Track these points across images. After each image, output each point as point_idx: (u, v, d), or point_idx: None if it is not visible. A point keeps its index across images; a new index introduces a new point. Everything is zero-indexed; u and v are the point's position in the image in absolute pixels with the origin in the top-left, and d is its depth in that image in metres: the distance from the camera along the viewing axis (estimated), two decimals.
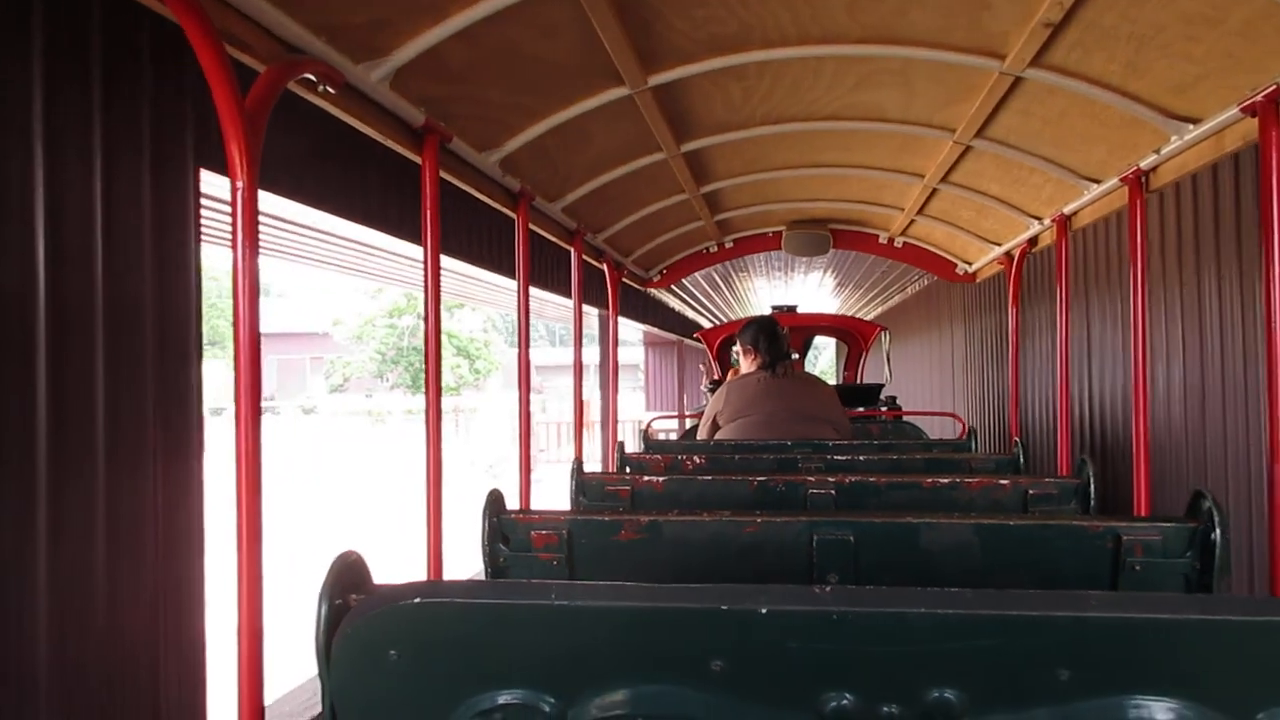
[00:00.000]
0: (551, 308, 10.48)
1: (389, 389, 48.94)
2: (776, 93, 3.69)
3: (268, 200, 3.16)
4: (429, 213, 2.90)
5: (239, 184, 1.89)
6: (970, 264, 6.47)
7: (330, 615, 1.43)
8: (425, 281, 2.92)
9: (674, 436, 10.06)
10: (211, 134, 2.15)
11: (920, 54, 3.12)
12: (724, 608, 1.25)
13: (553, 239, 4.77)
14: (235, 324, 1.87)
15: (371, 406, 43.17)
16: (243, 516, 1.88)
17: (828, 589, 1.29)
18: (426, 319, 2.93)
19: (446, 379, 45.83)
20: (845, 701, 1.28)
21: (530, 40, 2.84)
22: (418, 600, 1.35)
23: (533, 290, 4.31)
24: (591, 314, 9.57)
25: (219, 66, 1.82)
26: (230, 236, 1.91)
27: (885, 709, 1.28)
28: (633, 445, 5.00)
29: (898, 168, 4.87)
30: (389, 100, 2.70)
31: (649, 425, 7.69)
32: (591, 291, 6.75)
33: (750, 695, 1.30)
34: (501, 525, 2.52)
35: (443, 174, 3.07)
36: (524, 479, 3.90)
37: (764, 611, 1.25)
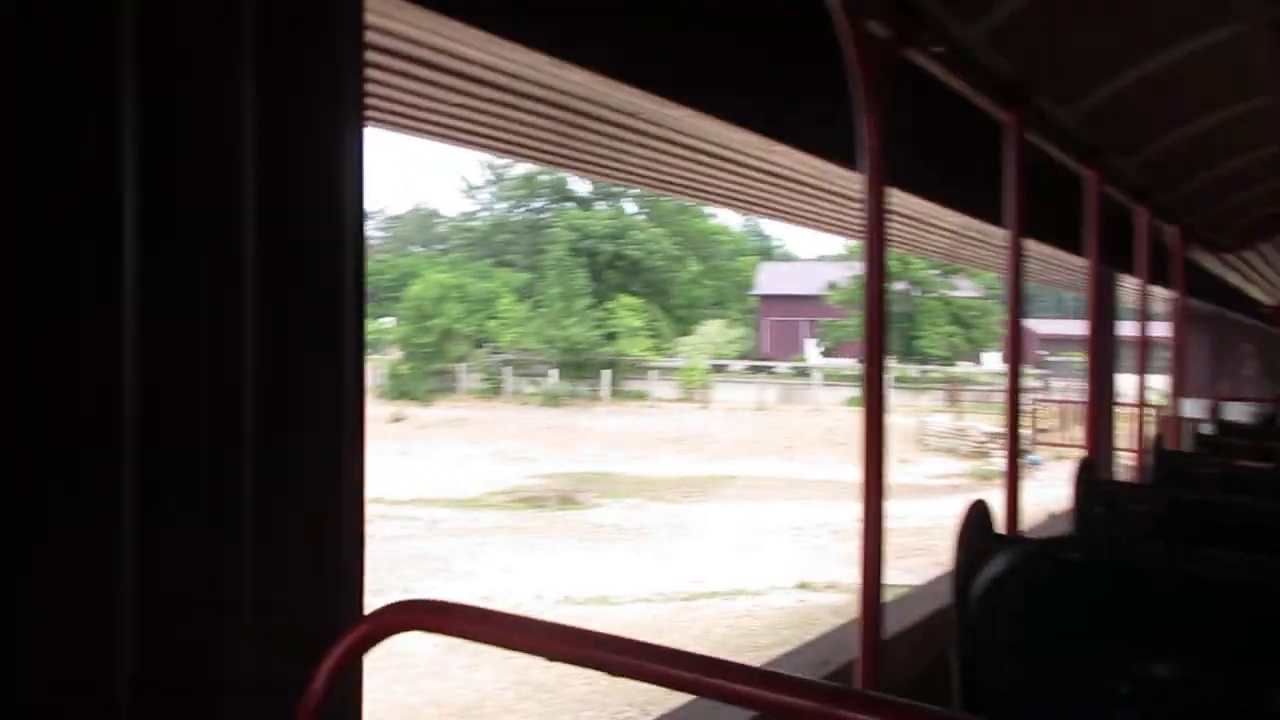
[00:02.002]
0: (1065, 273, 9.33)
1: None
2: None
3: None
4: (1013, 182, 2.86)
5: (870, 144, 1.91)
6: None
7: (966, 560, 1.56)
8: (1010, 258, 2.92)
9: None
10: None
11: None
12: None
13: (1119, 199, 4.38)
14: (866, 310, 1.95)
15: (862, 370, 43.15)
16: (868, 469, 1.97)
17: None
18: (1010, 296, 3.03)
19: (939, 348, 44.36)
20: None
21: None
22: (1060, 556, 1.44)
23: (1059, 256, 3.96)
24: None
25: (856, 33, 1.89)
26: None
27: None
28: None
29: None
30: (986, 57, 2.71)
31: (1214, 410, 6.51)
32: (1129, 259, 5.86)
33: None
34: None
35: (1028, 135, 2.97)
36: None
37: None
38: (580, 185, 54.92)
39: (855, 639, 2.08)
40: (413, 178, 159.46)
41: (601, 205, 54.19)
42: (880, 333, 1.94)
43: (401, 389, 43.26)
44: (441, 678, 11.05)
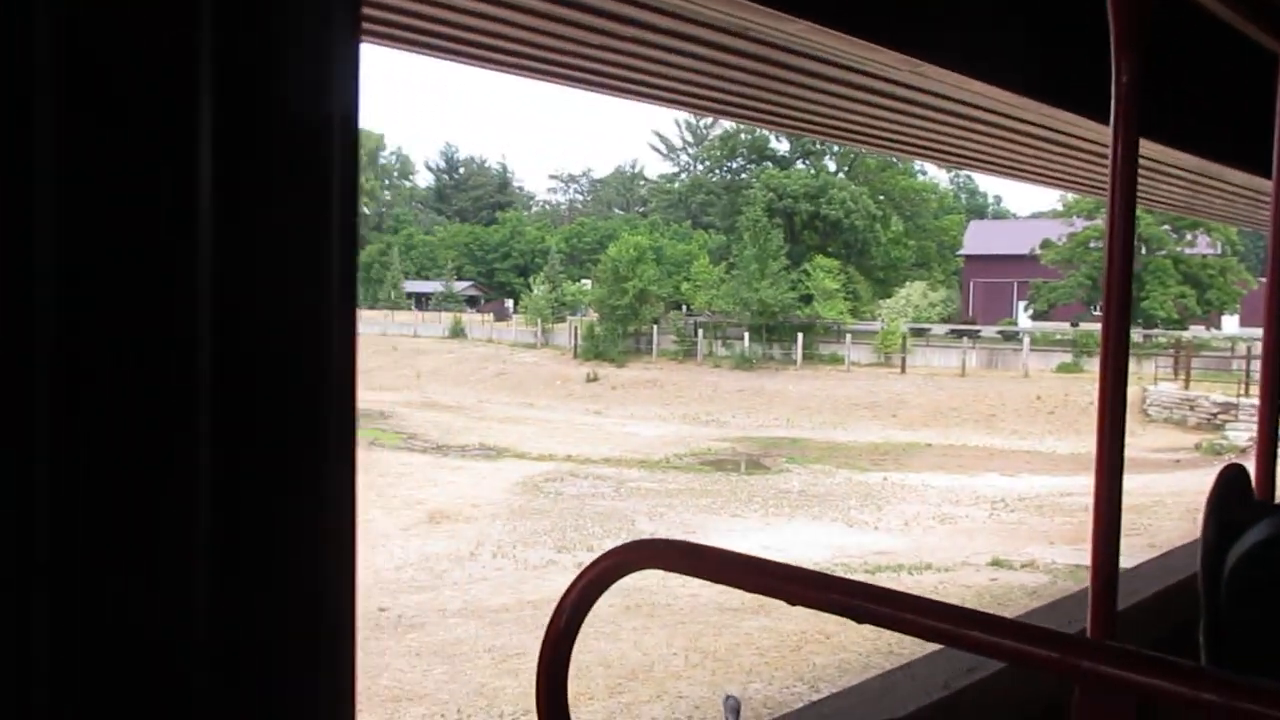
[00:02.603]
0: None
1: (1099, 316, 45.38)
2: None
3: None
4: None
5: (1122, 88, 1.77)
6: None
7: (1219, 529, 1.40)
8: (1274, 211, 2.45)
9: None
10: None
11: None
12: None
13: None
14: (1108, 270, 1.82)
15: (1076, 334, 40.26)
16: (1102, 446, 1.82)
17: None
18: (1271, 253, 2.46)
19: (1166, 310, 40.82)
20: None
21: None
22: None
23: None
24: None
25: None
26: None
27: None
28: None
29: None
30: None
31: None
32: None
33: None
34: None
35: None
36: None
37: None
38: (780, 144, 53.90)
39: (1087, 609, 1.91)
40: (618, 139, 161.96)
41: (801, 164, 52.99)
42: (1124, 295, 1.81)
43: (597, 350, 44.09)
44: (614, 639, 11.08)
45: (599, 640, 10.67)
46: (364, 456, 26.63)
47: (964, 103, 3.10)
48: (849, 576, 10.51)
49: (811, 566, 15.15)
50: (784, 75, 2.84)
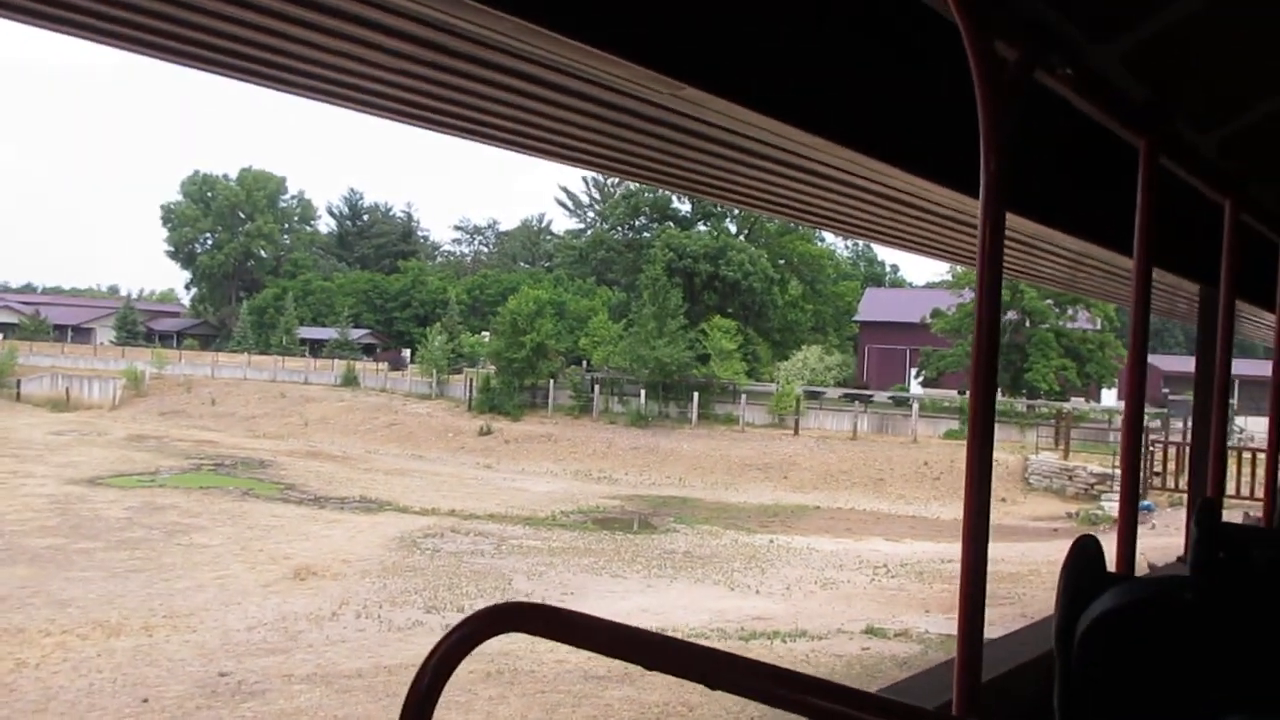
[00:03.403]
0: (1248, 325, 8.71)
1: None
2: None
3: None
4: (1142, 208, 2.73)
5: (990, 168, 1.88)
6: None
7: (1071, 598, 1.49)
8: (1135, 290, 2.76)
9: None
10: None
11: None
12: None
13: (1258, 228, 4.36)
14: (976, 339, 1.90)
15: (963, 402, 41.15)
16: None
17: None
18: (1132, 330, 2.82)
19: (1049, 382, 42.11)
20: None
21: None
22: (1176, 596, 1.34)
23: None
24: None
25: (981, 53, 1.86)
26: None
27: None
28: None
29: None
30: (1119, 79, 2.64)
31: None
32: (1269, 291, 5.76)
33: None
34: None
35: (1162, 160, 2.89)
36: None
37: None
38: (682, 204, 54.46)
39: (952, 680, 1.93)
40: (528, 193, 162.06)
41: (702, 226, 53.55)
42: (991, 362, 1.88)
43: (492, 403, 43.32)
44: (467, 710, 10.47)
45: (449, 711, 10.05)
46: (234, 508, 25.39)
47: (844, 170, 3.19)
48: (721, 642, 10.23)
49: (687, 631, 14.76)
50: (667, 135, 2.88)
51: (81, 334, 75.47)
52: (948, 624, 15.04)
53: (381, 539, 21.94)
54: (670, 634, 12.79)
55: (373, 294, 73.31)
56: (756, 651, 13.03)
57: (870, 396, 45.51)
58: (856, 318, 58.38)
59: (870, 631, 14.31)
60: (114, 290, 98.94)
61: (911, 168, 2.84)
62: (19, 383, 51.38)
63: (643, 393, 41.85)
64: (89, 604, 14.73)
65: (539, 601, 0.89)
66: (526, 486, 32.24)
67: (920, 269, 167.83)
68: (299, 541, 20.95)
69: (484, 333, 55.70)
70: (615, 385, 43.57)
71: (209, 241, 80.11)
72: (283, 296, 70.98)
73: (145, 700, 10.35)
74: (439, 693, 0.84)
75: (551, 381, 44.06)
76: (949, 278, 46.62)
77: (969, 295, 43.27)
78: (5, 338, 63.69)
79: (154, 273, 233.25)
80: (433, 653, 0.85)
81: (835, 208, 4.19)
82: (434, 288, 72.12)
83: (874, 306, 58.09)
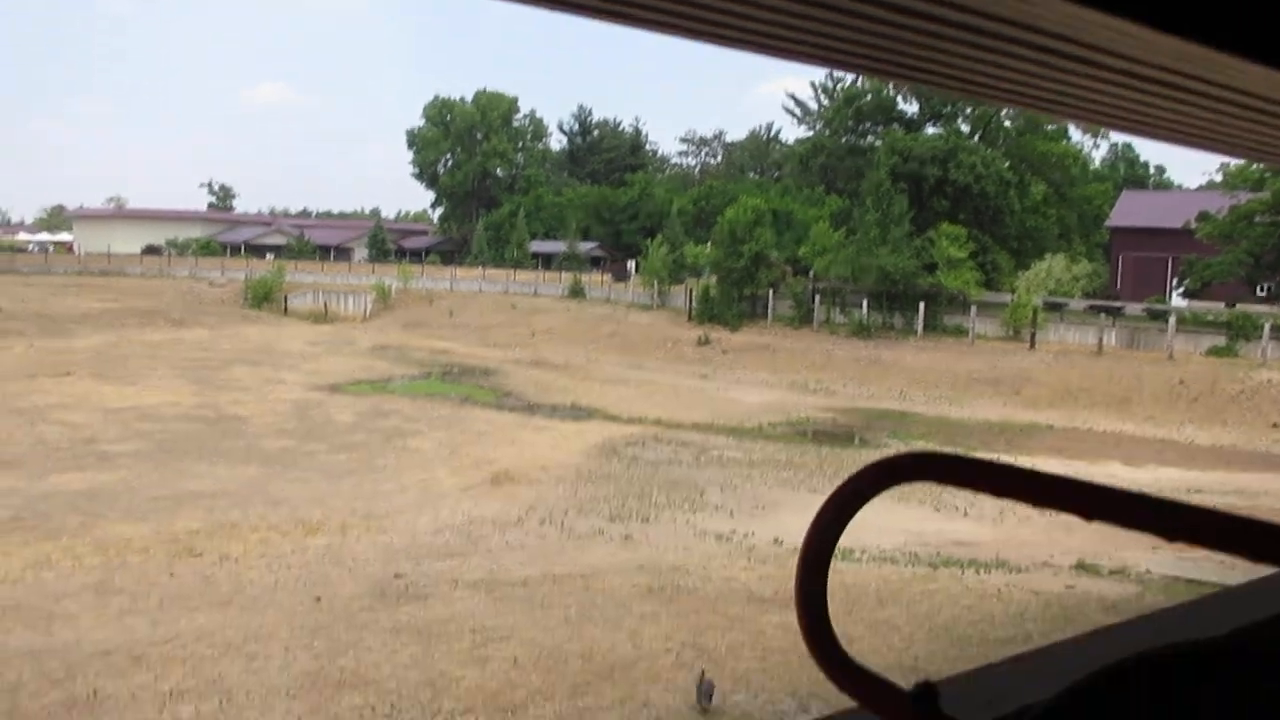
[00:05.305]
0: None
1: (1260, 297, 41.29)
2: None
3: None
4: None
5: None
6: None
7: None
8: None
9: None
10: None
11: None
12: None
13: None
14: None
15: (1232, 316, 36.60)
16: None
17: None
18: None
19: None
20: None
21: None
22: None
23: None
24: None
25: None
26: None
27: None
28: None
29: None
30: None
31: None
32: None
33: None
34: None
35: None
36: None
37: None
38: (909, 105, 51.10)
39: None
40: (756, 102, 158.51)
41: (931, 128, 50.06)
42: None
43: (711, 313, 43.01)
44: (615, 626, 10.19)
45: (592, 623, 9.81)
46: (451, 414, 26.50)
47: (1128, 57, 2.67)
48: (909, 569, 9.30)
49: (876, 553, 13.86)
50: (936, 30, 2.58)
51: (341, 253, 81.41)
52: (1177, 565, 13.30)
53: (583, 446, 22.17)
54: (857, 556, 11.91)
55: (601, 207, 74.36)
56: (943, 583, 12.01)
57: (1120, 309, 41.42)
58: (1109, 223, 53.15)
59: (1081, 567, 12.85)
60: (375, 213, 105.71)
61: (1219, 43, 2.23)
62: (286, 298, 56.05)
63: (865, 303, 40.10)
64: (299, 503, 15.67)
65: (942, 450, 0.83)
66: (739, 397, 31.77)
67: (1191, 169, 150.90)
68: (504, 447, 21.51)
69: (708, 244, 55.23)
70: (837, 295, 42.00)
71: (449, 162, 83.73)
72: (516, 212, 73.37)
73: (318, 599, 10.78)
74: (838, 534, 0.74)
75: (771, 291, 43.09)
76: (1218, 179, 41.31)
77: (1244, 197, 38.17)
78: (276, 258, 69.70)
79: (410, 195, 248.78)
80: (835, 495, 0.75)
81: (1105, 97, 3.54)
82: (660, 200, 72.14)
83: (1130, 211, 52.61)
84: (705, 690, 7.92)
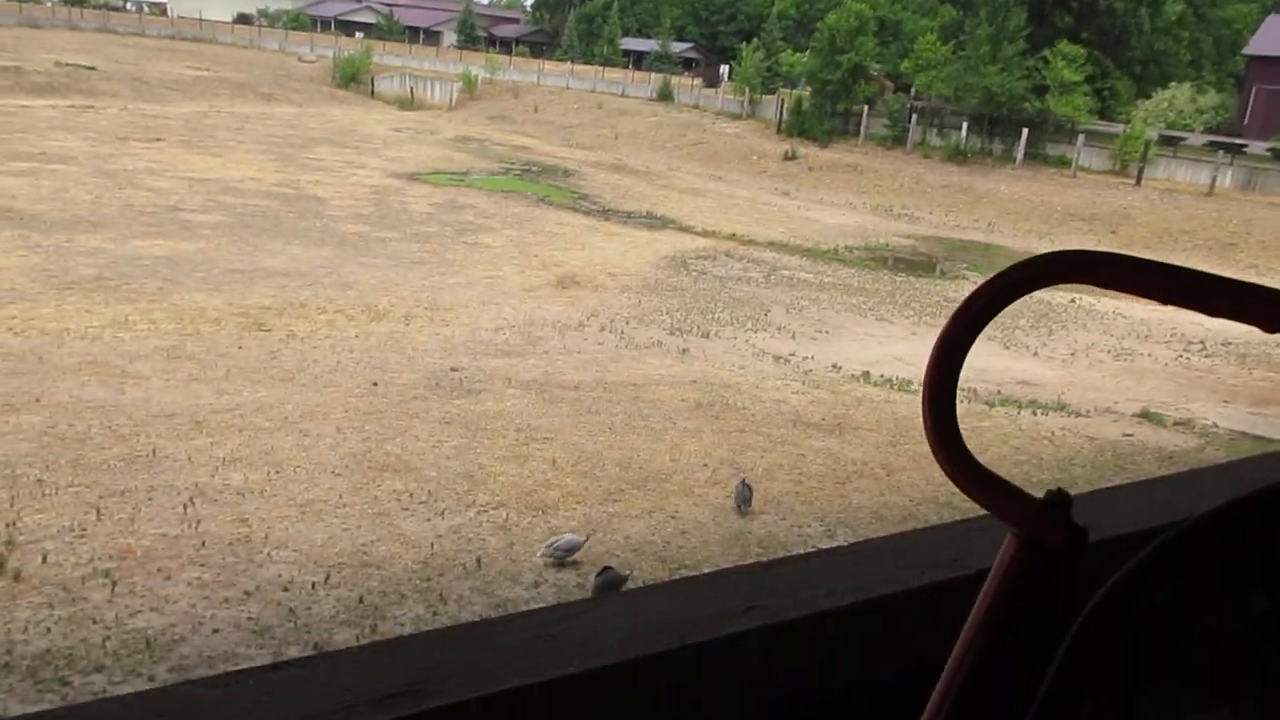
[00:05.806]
0: None
1: None
2: None
3: None
4: None
5: None
6: None
7: None
8: None
9: None
10: None
11: None
12: None
13: None
14: None
15: None
16: None
17: None
18: None
19: None
20: None
21: None
22: None
23: None
24: None
25: None
26: None
27: None
28: None
29: None
30: None
31: None
32: None
33: None
34: None
35: None
36: None
37: None
38: None
39: None
40: None
41: None
42: None
43: (802, 127, 41.40)
44: (658, 437, 10.30)
45: (636, 434, 9.94)
46: (525, 213, 26.39)
47: None
48: (963, 406, 9.12)
49: (915, 390, 13.67)
50: None
51: (430, 36, 79.68)
52: (1248, 419, 12.86)
53: (654, 256, 21.99)
54: (914, 388, 11.75)
55: (699, 6, 70.96)
56: (996, 422, 11.81)
57: (1243, 147, 38.67)
58: (1247, 51, 48.92)
59: (1144, 415, 12.51)
60: None
61: None
62: (373, 80, 55.47)
63: (964, 125, 38.11)
64: (367, 289, 15.94)
65: (1104, 250, 0.69)
66: (819, 217, 30.97)
67: None
68: (574, 251, 21.44)
69: (806, 52, 52.56)
70: (936, 115, 39.93)
71: None
72: (610, 5, 70.46)
73: (375, 384, 11.07)
74: (973, 336, 0.72)
75: (866, 108, 41.15)
76: None
77: None
78: (365, 36, 68.56)
79: None
80: (983, 289, 0.73)
81: None
82: (760, 1, 68.45)
83: (1273, 38, 48.20)
84: (743, 495, 8.07)
